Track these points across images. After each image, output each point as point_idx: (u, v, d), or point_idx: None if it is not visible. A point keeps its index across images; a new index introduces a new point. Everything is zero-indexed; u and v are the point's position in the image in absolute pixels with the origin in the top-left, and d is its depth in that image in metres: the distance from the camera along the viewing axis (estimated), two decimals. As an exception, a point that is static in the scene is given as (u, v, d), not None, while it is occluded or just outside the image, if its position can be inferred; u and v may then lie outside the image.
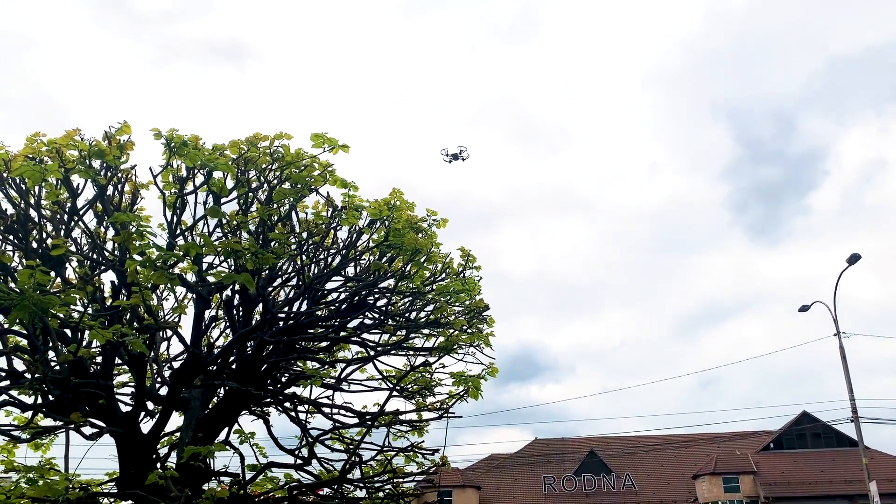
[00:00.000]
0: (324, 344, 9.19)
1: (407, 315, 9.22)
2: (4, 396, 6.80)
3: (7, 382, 6.88)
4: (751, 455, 41.34)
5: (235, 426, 8.87)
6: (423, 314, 9.17)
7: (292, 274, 8.90)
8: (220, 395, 9.09)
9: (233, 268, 7.71)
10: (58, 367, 6.93)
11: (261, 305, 8.45)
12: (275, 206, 7.74)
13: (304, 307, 8.77)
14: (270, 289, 8.89)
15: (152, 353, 8.30)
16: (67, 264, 7.32)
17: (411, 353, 9.26)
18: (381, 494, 9.04)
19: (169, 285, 8.35)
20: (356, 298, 8.92)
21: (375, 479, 8.96)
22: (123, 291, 7.11)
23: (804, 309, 25.37)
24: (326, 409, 9.09)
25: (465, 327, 8.99)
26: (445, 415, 9.02)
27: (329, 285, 8.92)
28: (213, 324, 9.48)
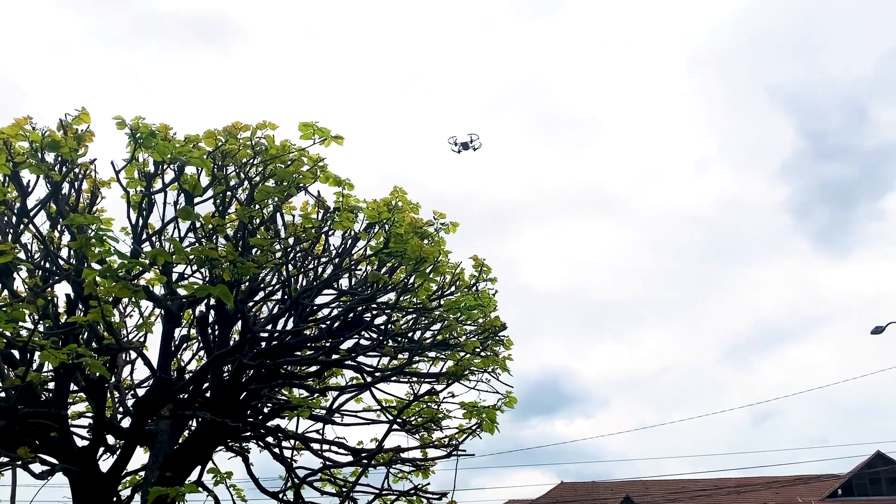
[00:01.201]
0: (313, 368, 9.19)
1: (410, 335, 9.20)
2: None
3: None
4: (815, 503, 41.00)
5: (209, 464, 8.81)
6: (428, 334, 9.15)
7: (277, 286, 8.93)
8: (192, 428, 9.12)
9: (207, 279, 7.77)
10: (3, 394, 6.95)
11: (240, 323, 8.48)
12: (257, 206, 7.76)
13: (290, 325, 8.78)
14: (251, 303, 8.95)
15: (113, 379, 8.30)
16: (15, 274, 7.25)
17: (415, 379, 9.26)
18: (379, 545, 9.03)
19: (133, 299, 8.44)
20: (351, 315, 8.91)
21: (373, 527, 9.03)
22: (80, 306, 7.12)
23: (878, 331, 25.25)
24: (316, 445, 9.07)
25: (478, 350, 8.97)
26: (455, 453, 8.92)
27: (319, 300, 8.93)
28: (185, 344, 9.49)
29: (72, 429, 7.66)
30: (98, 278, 6.42)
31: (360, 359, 9.00)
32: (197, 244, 7.80)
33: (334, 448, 9.09)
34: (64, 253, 7.49)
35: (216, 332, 8.63)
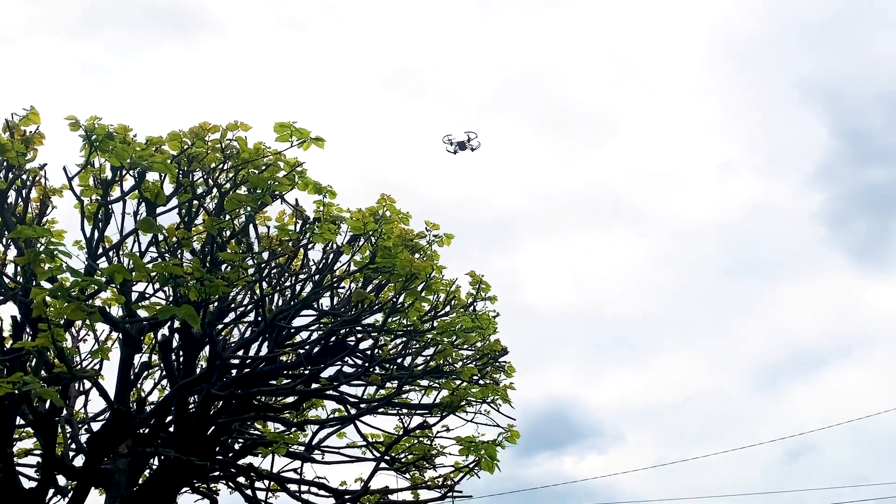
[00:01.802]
0: (290, 399, 9.15)
1: (399, 361, 9.20)
2: None
3: None
4: (854, 548, 40.57)
5: (174, 507, 8.81)
6: (420, 360, 9.13)
7: (249, 307, 8.98)
8: (154, 467, 9.09)
9: (171, 299, 7.77)
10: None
11: (207, 348, 8.49)
12: (227, 217, 7.79)
13: (264, 350, 8.77)
14: (220, 326, 8.99)
15: (65, 412, 8.25)
16: (-45, 294, 7.35)
17: (405, 411, 9.24)
18: None
19: (87, 322, 8.32)
20: (333, 339, 8.96)
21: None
22: (28, 329, 7.10)
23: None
24: (293, 486, 9.00)
25: (475, 377, 8.97)
26: (450, 494, 8.93)
27: (297, 322, 8.95)
28: (145, 373, 9.44)
29: (18, 468, 7.60)
30: (48, 298, 6.37)
31: (344, 388, 8.98)
32: (159, 259, 7.82)
33: (314, 489, 9.01)
34: (10, 270, 7.48)
35: (181, 359, 8.62)
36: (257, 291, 8.50)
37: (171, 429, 8.61)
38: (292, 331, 9.00)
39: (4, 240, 7.55)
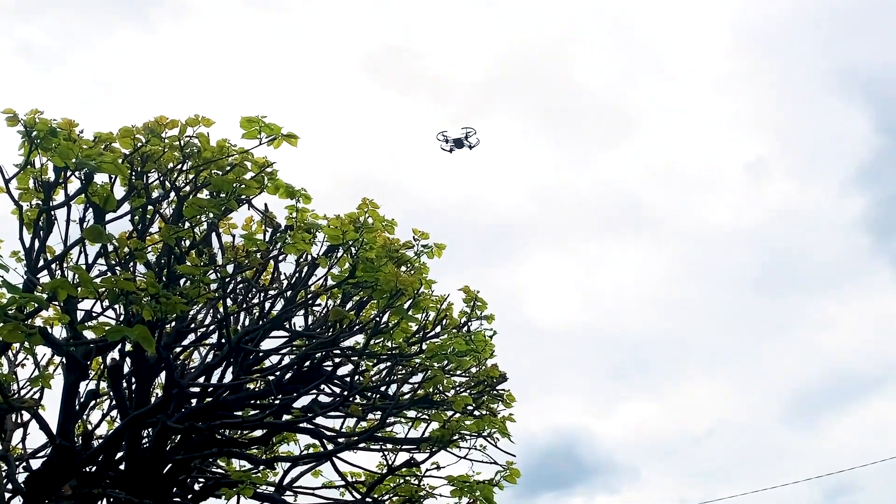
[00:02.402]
0: (258, 433, 9.13)
1: (383, 389, 9.19)
2: None
3: None
4: None
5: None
6: (406, 388, 9.09)
7: (212, 327, 8.98)
8: (102, 510, 9.10)
9: (122, 318, 7.84)
10: None
11: (163, 375, 8.43)
12: (186, 225, 7.81)
13: (228, 377, 8.77)
14: (178, 349, 9.10)
15: (0, 447, 8.33)
16: None
17: (390, 446, 9.23)
18: None
19: (26, 344, 8.28)
20: (307, 364, 8.92)
21: None
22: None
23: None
24: (261, 532, 8.96)
25: (470, 408, 8.94)
26: (441, 541, 8.91)
27: (266, 344, 8.96)
28: (93, 402, 9.37)
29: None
30: (-20, 318, 6.35)
31: (319, 420, 8.95)
32: (109, 273, 7.78)
33: (286, 535, 9.07)
34: (-63, 285, 7.51)
35: (133, 387, 8.61)
36: (221, 309, 8.47)
37: (122, 466, 8.53)
38: (260, 354, 8.96)
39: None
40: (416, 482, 9.27)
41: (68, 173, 7.23)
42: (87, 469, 8.22)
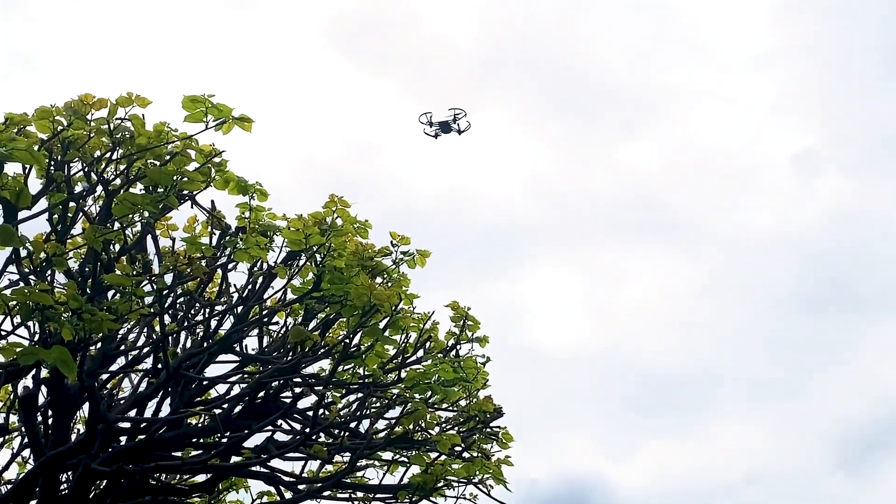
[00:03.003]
0: (202, 478, 9.06)
1: (353, 426, 9.14)
2: None
3: None
4: None
5: None
6: (381, 424, 9.07)
7: (146, 350, 8.87)
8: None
9: (37, 337, 7.67)
10: None
11: (87, 406, 8.38)
12: (117, 225, 7.64)
13: (165, 410, 8.69)
14: (105, 376, 8.99)
15: None
16: None
17: (361, 494, 9.22)
18: None
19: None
20: (261, 395, 8.84)
21: None
22: None
23: None
24: None
25: (458, 448, 8.89)
26: None
27: (211, 371, 8.96)
28: (2, 439, 9.47)
29: None
30: None
31: (275, 463, 8.91)
32: (21, 284, 7.63)
33: None
34: None
35: (50, 421, 8.55)
36: (157, 328, 8.35)
37: (38, 518, 8.44)
38: (205, 383, 8.94)
39: None
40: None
41: (-29, 163, 7.08)
42: (-7, 521, 8.27)
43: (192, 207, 8.16)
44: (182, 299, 8.82)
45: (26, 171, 7.35)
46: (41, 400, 8.50)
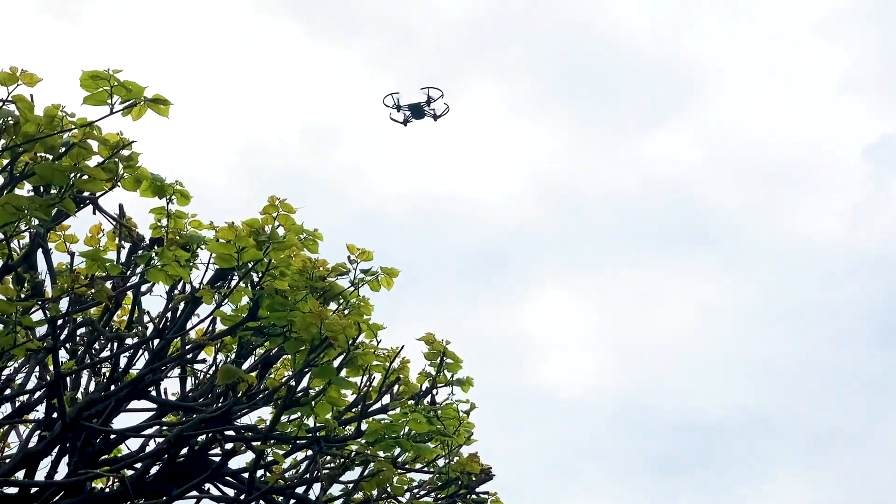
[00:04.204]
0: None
1: (301, 492, 9.03)
2: None
3: None
4: None
5: None
6: (337, 489, 9.03)
7: (37, 394, 8.76)
8: None
9: None
10: None
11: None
12: (-1, 235, 6.82)
13: (62, 471, 8.48)
14: None
15: None
16: None
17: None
18: None
19: None
20: (184, 452, 8.68)
21: None
22: None
23: None
24: None
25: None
26: None
27: (121, 421, 8.73)
28: None
29: None
30: None
31: None
32: None
33: None
34: None
35: None
36: (50, 367, 8.24)
37: None
38: (112, 437, 8.83)
39: None
40: None
41: None
42: None
43: (94, 214, 8.01)
44: (82, 330, 8.63)
45: None
46: None
